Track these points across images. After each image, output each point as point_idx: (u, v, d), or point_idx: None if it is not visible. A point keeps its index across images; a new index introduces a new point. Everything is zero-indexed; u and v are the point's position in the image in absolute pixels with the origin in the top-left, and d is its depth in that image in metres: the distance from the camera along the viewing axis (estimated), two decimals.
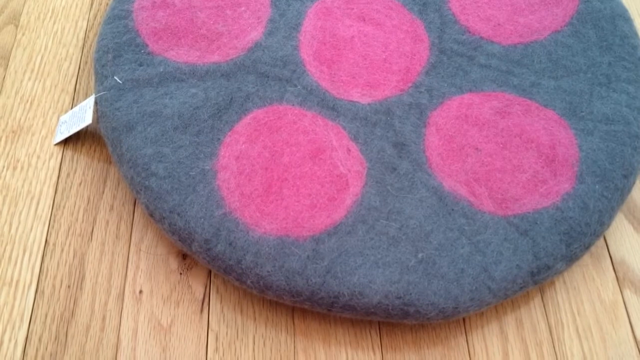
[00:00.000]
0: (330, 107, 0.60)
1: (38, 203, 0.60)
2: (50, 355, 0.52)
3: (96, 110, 0.61)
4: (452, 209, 0.54)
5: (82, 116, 0.61)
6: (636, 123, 0.59)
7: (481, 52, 0.64)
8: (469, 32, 0.65)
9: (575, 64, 0.63)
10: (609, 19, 0.66)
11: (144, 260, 0.57)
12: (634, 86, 0.62)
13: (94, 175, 0.61)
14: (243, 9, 0.66)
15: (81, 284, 0.55)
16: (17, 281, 0.55)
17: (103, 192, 0.60)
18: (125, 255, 0.57)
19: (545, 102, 0.61)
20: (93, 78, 0.64)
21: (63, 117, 0.64)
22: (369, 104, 0.60)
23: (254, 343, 0.53)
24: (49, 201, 0.60)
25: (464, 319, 0.55)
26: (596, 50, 0.64)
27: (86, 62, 0.69)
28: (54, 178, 0.61)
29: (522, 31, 0.65)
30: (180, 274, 0.56)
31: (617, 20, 0.66)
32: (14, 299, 0.55)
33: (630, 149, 0.57)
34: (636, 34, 0.66)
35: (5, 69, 0.68)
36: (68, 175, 0.61)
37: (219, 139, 0.57)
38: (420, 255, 0.52)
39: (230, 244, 0.52)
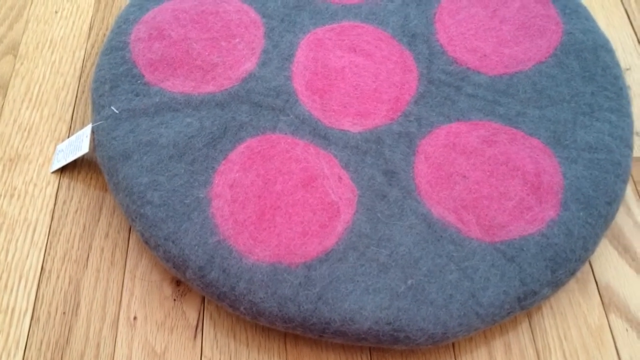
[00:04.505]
0: (322, 136, 0.61)
1: (34, 230, 0.60)
2: None
3: (93, 139, 0.62)
4: (441, 236, 0.56)
5: (79, 145, 0.63)
6: (619, 151, 0.61)
7: (468, 82, 0.66)
8: (457, 63, 0.67)
9: (559, 94, 0.65)
10: (592, 50, 0.68)
11: (139, 287, 0.58)
12: (616, 115, 0.63)
13: (89, 203, 0.62)
14: (237, 40, 0.67)
15: (76, 310, 0.56)
16: (13, 308, 0.56)
17: (99, 220, 0.61)
18: (120, 282, 0.58)
19: (530, 131, 0.62)
20: (90, 107, 0.66)
21: (60, 146, 0.65)
22: (359, 133, 0.62)
23: None
24: (45, 228, 0.61)
25: (453, 344, 0.56)
26: (579, 81, 0.66)
27: (83, 92, 0.70)
28: (51, 205, 0.62)
29: (507, 62, 0.67)
30: (174, 300, 0.57)
31: (599, 51, 0.68)
32: (9, 326, 0.55)
33: (613, 176, 0.59)
34: (618, 64, 0.68)
35: (4, 98, 0.69)
36: (64, 202, 0.62)
37: (214, 167, 0.58)
38: (409, 282, 0.53)
39: (223, 271, 0.53)
